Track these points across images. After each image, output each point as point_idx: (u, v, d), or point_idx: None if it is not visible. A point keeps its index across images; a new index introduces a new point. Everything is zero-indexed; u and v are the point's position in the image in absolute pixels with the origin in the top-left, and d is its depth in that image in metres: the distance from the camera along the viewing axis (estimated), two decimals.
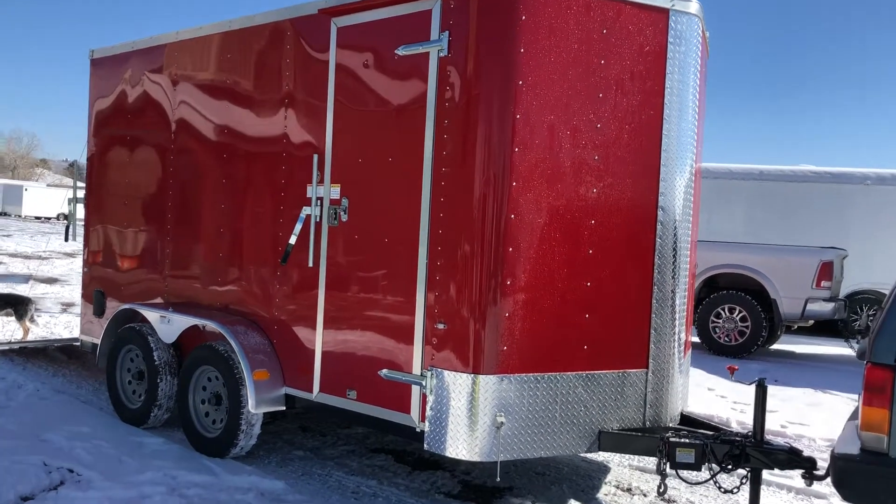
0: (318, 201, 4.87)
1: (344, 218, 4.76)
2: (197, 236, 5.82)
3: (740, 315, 11.15)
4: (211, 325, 5.23)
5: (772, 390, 9.13)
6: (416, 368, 4.36)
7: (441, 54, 4.29)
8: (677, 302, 4.63)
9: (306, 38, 5.03)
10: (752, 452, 4.19)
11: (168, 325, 5.57)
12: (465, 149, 4.23)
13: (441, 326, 4.27)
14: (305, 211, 4.89)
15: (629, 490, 5.13)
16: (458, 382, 4.18)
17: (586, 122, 4.29)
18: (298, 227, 4.90)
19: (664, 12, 4.44)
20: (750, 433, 4.35)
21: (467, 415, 4.15)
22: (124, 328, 6.02)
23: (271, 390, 5.01)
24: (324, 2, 4.85)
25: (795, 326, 12.10)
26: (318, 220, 4.88)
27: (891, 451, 3.19)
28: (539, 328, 4.24)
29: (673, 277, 4.58)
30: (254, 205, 5.39)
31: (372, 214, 4.65)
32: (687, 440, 4.26)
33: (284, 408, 5.05)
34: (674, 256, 4.57)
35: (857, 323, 13.56)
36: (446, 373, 4.23)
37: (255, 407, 4.91)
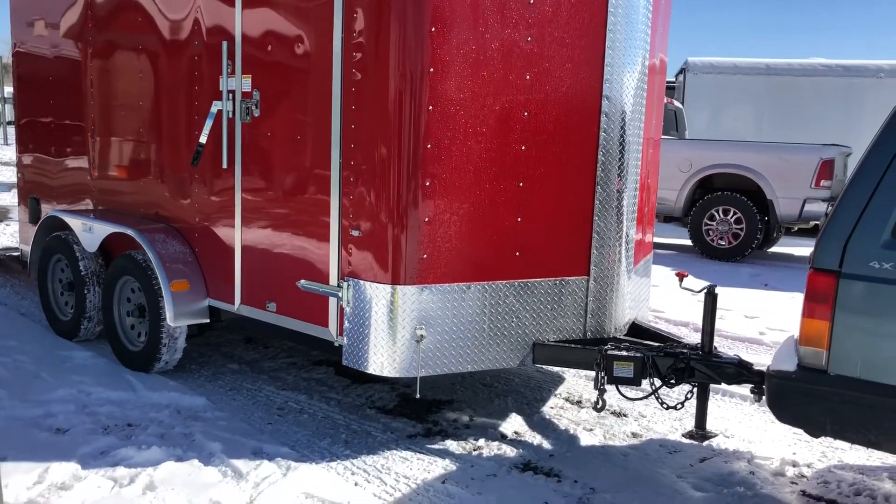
0: (230, 95, 4.40)
1: (256, 113, 4.29)
2: (119, 137, 5.38)
3: (735, 217, 10.66)
4: (129, 233, 4.86)
5: (758, 295, 8.80)
6: (333, 279, 3.99)
7: None
8: (625, 203, 4.18)
9: None
10: (698, 366, 3.83)
11: (90, 234, 5.21)
12: (376, 30, 3.72)
13: (356, 234, 3.86)
14: (216, 106, 4.42)
15: (579, 403, 4.83)
16: (375, 294, 3.81)
17: None
18: (209, 123, 4.44)
19: None
20: (698, 345, 3.98)
21: (385, 328, 3.79)
22: (51, 237, 5.67)
23: (192, 302, 4.68)
24: None
25: (795, 228, 11.62)
26: (230, 115, 4.42)
27: (830, 368, 2.80)
28: (463, 234, 3.83)
29: (620, 176, 4.11)
30: (170, 101, 4.92)
31: (284, 109, 4.19)
32: (626, 353, 3.90)
33: (208, 320, 4.73)
34: (621, 153, 4.09)
35: None
36: (363, 283, 3.85)
37: (173, 320, 4.59)
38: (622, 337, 4.29)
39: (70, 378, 4.70)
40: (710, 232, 10.83)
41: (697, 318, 7.03)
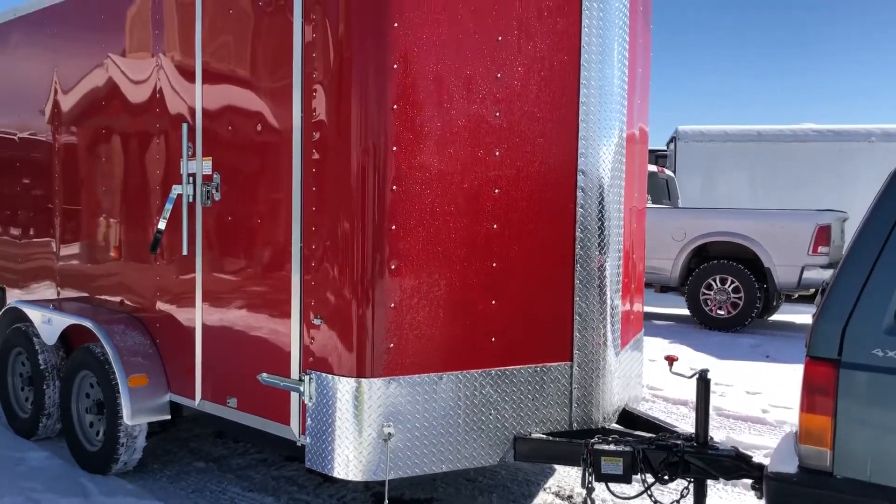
0: (191, 178, 4.20)
1: (216, 197, 4.08)
2: (82, 223, 5.16)
3: (732, 286, 10.40)
4: (87, 325, 4.58)
5: (759, 368, 8.45)
6: (294, 372, 3.70)
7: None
8: (608, 279, 3.92)
9: None
10: (692, 460, 3.50)
11: (49, 326, 4.94)
12: (336, 108, 3.53)
13: (318, 322, 3.59)
14: (176, 190, 4.21)
15: (569, 498, 4.47)
16: (338, 388, 3.51)
17: (483, 71, 3.57)
18: (168, 208, 4.22)
19: None
20: (692, 435, 3.67)
21: (350, 426, 3.48)
22: (11, 329, 5.40)
23: (151, 398, 4.37)
24: None
25: (796, 295, 11.34)
26: (191, 199, 4.20)
27: (836, 470, 2.49)
28: (434, 319, 3.56)
29: (601, 252, 3.87)
30: (132, 185, 4.72)
31: (244, 192, 3.97)
32: (614, 447, 3.58)
33: (169, 417, 4.42)
34: (600, 228, 3.86)
35: None
36: (326, 377, 3.56)
37: (130, 418, 4.27)
38: (611, 427, 3.98)
39: (18, 485, 4.35)
40: (708, 301, 10.55)
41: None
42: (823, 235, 10.01)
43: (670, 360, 3.79)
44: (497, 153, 3.63)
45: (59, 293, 5.39)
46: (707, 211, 11.32)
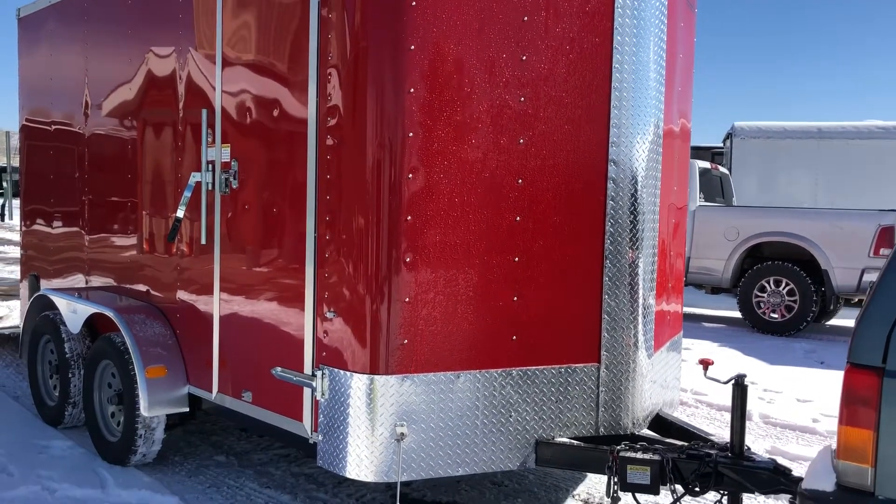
0: (210, 166, 4.10)
1: (234, 185, 3.97)
2: (109, 212, 5.13)
3: (787, 288, 9.96)
4: (108, 314, 4.53)
5: (813, 374, 8.03)
6: (307, 367, 3.56)
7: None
8: (640, 277, 3.69)
9: None
10: (726, 471, 3.26)
11: (74, 315, 4.91)
12: (351, 91, 3.37)
13: (331, 315, 3.45)
14: (195, 178, 4.11)
15: None
16: (350, 384, 3.36)
17: (506, 53, 3.38)
18: (187, 196, 4.13)
19: None
20: (727, 445, 3.41)
21: (362, 424, 3.33)
22: (40, 317, 5.41)
23: (169, 389, 4.29)
24: None
25: (856, 300, 10.82)
26: (210, 187, 4.10)
27: (877, 490, 2.23)
28: (451, 315, 3.38)
29: (633, 248, 3.64)
30: (155, 173, 4.65)
31: (260, 180, 3.85)
32: (642, 455, 3.35)
33: (187, 409, 4.33)
34: (633, 222, 3.63)
35: None
36: (338, 372, 3.42)
37: (147, 409, 4.20)
38: (641, 433, 3.74)
39: (37, 473, 4.33)
40: (762, 304, 10.13)
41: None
42: (886, 237, 9.50)
43: (705, 363, 3.54)
44: (521, 141, 3.43)
45: (87, 282, 5.37)
46: (761, 210, 10.87)
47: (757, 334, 10.05)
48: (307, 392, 3.56)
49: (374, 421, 3.32)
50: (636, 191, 3.64)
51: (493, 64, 3.37)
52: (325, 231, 3.47)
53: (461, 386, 3.40)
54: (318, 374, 3.48)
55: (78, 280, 5.44)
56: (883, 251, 9.56)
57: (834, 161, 13.76)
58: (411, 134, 3.28)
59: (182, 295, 4.39)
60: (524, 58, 3.41)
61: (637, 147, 3.63)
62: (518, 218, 3.45)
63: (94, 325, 5.00)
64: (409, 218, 3.30)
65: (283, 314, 3.70)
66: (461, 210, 3.37)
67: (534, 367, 3.52)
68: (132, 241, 4.85)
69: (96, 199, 5.24)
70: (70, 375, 5.01)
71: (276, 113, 3.71)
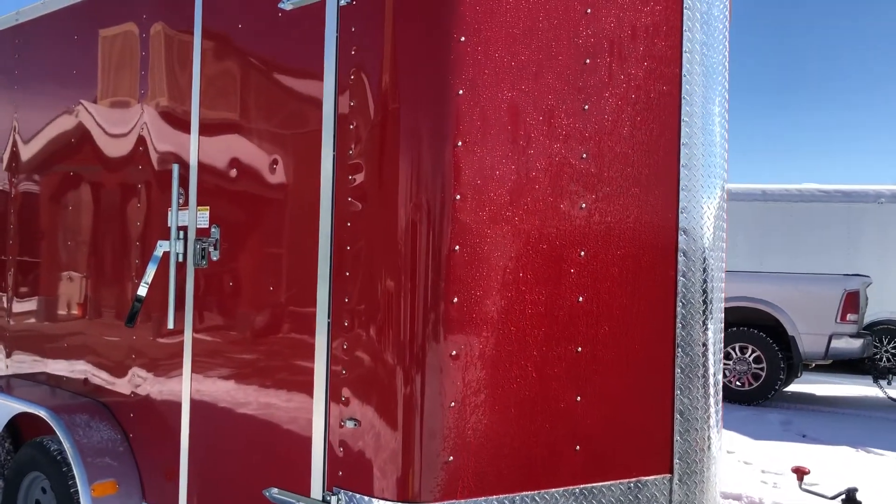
0: (181, 232, 3.34)
1: (214, 256, 3.22)
2: (41, 286, 4.26)
3: (754, 355, 9.65)
4: (41, 414, 3.65)
5: (800, 451, 7.61)
6: (316, 489, 2.80)
7: (341, 2, 2.79)
8: (711, 367, 3.11)
9: None
10: None
11: None
12: (380, 143, 2.72)
13: (351, 425, 2.72)
14: (162, 247, 3.34)
15: None
16: None
17: (567, 100, 2.80)
18: (151, 269, 3.35)
19: None
20: None
21: None
22: None
23: None
24: None
25: (813, 364, 10.62)
26: (180, 259, 3.34)
27: None
28: (505, 422, 2.70)
29: (704, 331, 3.06)
30: (104, 239, 3.85)
31: (251, 251, 3.12)
32: None
33: None
34: (704, 302, 3.06)
35: (880, 358, 12.03)
36: (360, 499, 2.67)
37: None
38: None
39: None
40: (727, 372, 9.77)
41: (746, 487, 5.84)
42: (852, 302, 9.36)
43: (800, 472, 2.96)
44: (583, 205, 2.83)
45: (6, 366, 4.44)
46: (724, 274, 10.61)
47: (725, 404, 9.65)
48: None
49: None
50: (706, 265, 3.08)
51: (553, 113, 2.78)
52: (343, 315, 2.76)
53: None
54: (333, 499, 2.72)
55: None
56: (849, 316, 9.40)
57: (776, 223, 13.78)
58: (458, 196, 2.64)
59: (139, 389, 3.56)
60: (586, 107, 2.83)
61: (706, 213, 3.09)
62: (580, 298, 2.82)
63: (17, 423, 4.07)
64: (455, 300, 2.63)
65: (282, 420, 2.94)
66: (516, 290, 2.72)
67: (599, 484, 2.85)
68: (73, 323, 3.99)
69: (23, 272, 4.36)
70: None
71: (274, 168, 3.01)
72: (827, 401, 10.41)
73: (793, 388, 11.04)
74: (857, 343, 9.40)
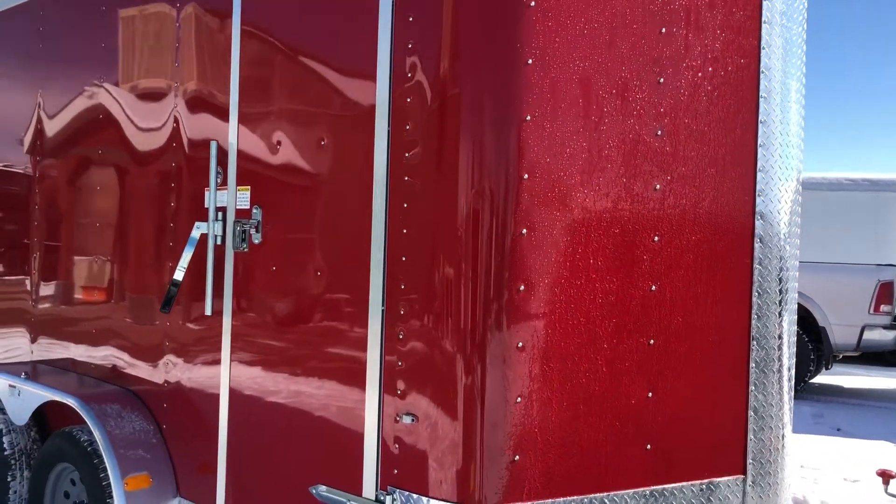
0: (220, 214, 3.15)
1: (256, 239, 3.03)
2: (68, 270, 4.09)
3: None
4: (70, 402, 3.48)
5: (836, 445, 7.43)
6: (369, 488, 2.62)
7: None
8: (786, 362, 2.91)
9: None
10: None
11: (18, 400, 3.82)
12: (439, 116, 2.52)
13: (408, 420, 2.53)
14: (199, 229, 3.15)
15: None
16: None
17: (641, 73, 2.59)
18: (188, 253, 3.16)
19: None
20: None
21: None
22: None
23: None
24: None
25: (840, 356, 10.38)
26: (219, 241, 3.15)
27: None
28: (573, 419, 2.51)
29: (780, 323, 2.86)
30: (136, 222, 3.67)
31: (296, 233, 2.93)
32: None
33: None
34: (780, 293, 2.86)
35: None
36: (417, 499, 2.49)
37: None
38: None
39: None
40: None
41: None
42: (886, 292, 9.11)
43: (886, 476, 2.76)
44: (657, 187, 2.63)
45: (31, 352, 4.28)
46: None
47: None
48: None
49: None
50: (783, 252, 2.88)
51: (626, 87, 2.57)
52: (398, 303, 2.57)
53: None
54: (388, 498, 2.54)
55: (20, 347, 4.34)
56: (883, 308, 9.15)
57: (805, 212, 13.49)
58: (525, 175, 2.44)
59: (173, 379, 3.39)
60: (661, 80, 2.62)
61: (783, 196, 2.88)
62: (653, 287, 2.62)
63: (44, 411, 3.91)
64: (522, 288, 2.44)
65: (330, 413, 2.76)
66: (586, 277, 2.53)
67: (671, 485, 2.67)
68: (102, 309, 3.82)
69: (49, 258, 4.19)
70: (9, 479, 3.89)
71: (323, 143, 2.81)
72: (856, 393, 10.18)
73: (819, 379, 10.81)
74: (890, 335, 9.16)
